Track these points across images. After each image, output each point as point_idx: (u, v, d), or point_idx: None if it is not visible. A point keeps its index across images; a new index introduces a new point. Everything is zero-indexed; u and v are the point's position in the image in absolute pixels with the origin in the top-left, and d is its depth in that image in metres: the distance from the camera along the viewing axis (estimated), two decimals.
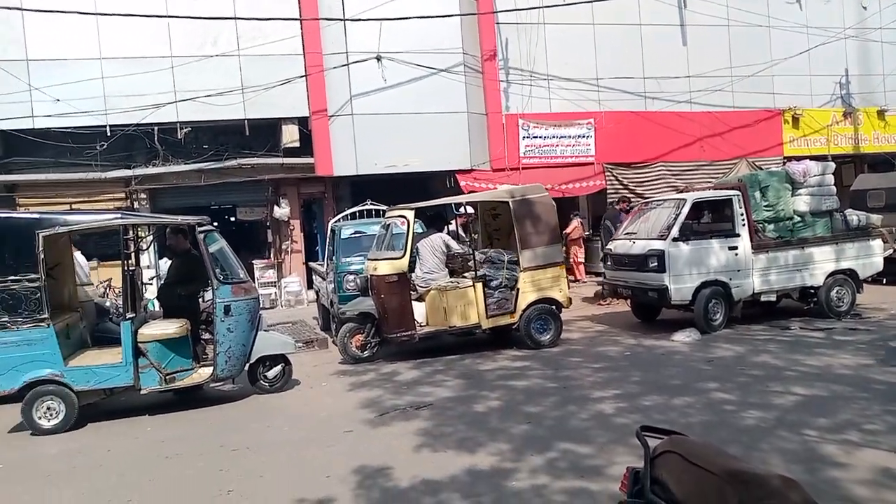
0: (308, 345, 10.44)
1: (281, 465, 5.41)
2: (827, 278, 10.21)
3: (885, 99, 19.66)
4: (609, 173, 16.80)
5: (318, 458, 5.49)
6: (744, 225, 9.95)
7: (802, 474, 4.25)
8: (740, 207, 9.99)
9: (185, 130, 14.93)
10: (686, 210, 9.84)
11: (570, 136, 17.00)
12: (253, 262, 15.51)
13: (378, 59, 15.08)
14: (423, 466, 4.86)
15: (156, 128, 14.70)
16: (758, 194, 10.30)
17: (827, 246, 10.33)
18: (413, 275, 9.40)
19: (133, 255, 8.21)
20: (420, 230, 9.98)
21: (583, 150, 17.04)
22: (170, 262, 8.95)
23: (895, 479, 4.32)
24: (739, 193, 10.08)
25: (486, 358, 9.00)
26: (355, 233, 11.57)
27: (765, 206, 10.27)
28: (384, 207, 12.58)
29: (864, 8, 19.57)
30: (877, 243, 10.71)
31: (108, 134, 14.41)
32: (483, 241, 10.89)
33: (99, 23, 13.86)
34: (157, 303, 8.72)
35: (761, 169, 14.95)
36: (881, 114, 19.63)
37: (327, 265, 11.73)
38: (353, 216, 13.70)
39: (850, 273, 10.34)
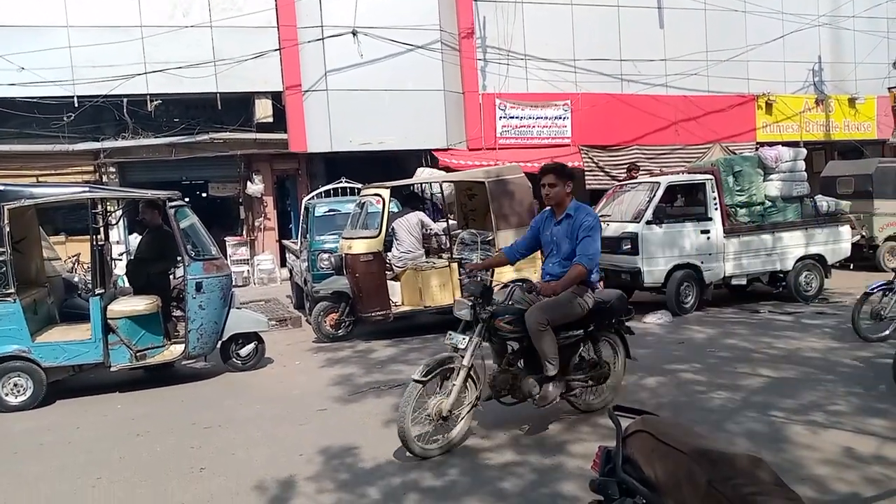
0: (281, 323, 10.39)
1: (253, 442, 5.38)
2: (796, 263, 10.38)
3: (856, 87, 19.96)
4: (585, 155, 16.86)
5: (291, 436, 5.48)
6: (716, 209, 10.06)
7: (768, 454, 4.34)
8: (713, 192, 10.09)
9: (155, 103, 14.64)
10: (660, 193, 9.92)
11: (546, 118, 17.01)
12: (225, 238, 15.34)
13: (354, 33, 14.88)
14: (394, 444, 4.87)
15: (125, 100, 14.39)
16: (731, 179, 10.41)
17: (797, 231, 10.50)
18: (389, 254, 9.37)
19: (102, 229, 8.06)
20: (396, 209, 9.94)
21: (559, 131, 17.07)
22: (140, 237, 8.80)
23: (856, 458, 4.43)
24: (713, 178, 10.17)
25: None
26: (329, 210, 11.49)
27: (737, 191, 10.39)
28: (359, 185, 12.50)
29: None
30: (845, 229, 10.91)
31: (76, 105, 14.08)
32: (459, 221, 10.88)
33: None
34: (126, 279, 8.57)
35: (734, 154, 15.12)
36: (852, 102, 19.93)
37: (301, 243, 11.64)
38: (327, 194, 13.60)
39: (819, 258, 10.52)
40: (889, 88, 17.85)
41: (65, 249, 12.41)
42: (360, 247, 8.95)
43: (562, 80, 17.09)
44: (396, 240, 9.39)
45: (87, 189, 7.82)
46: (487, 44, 16.62)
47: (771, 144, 12.92)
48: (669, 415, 5.34)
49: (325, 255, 10.21)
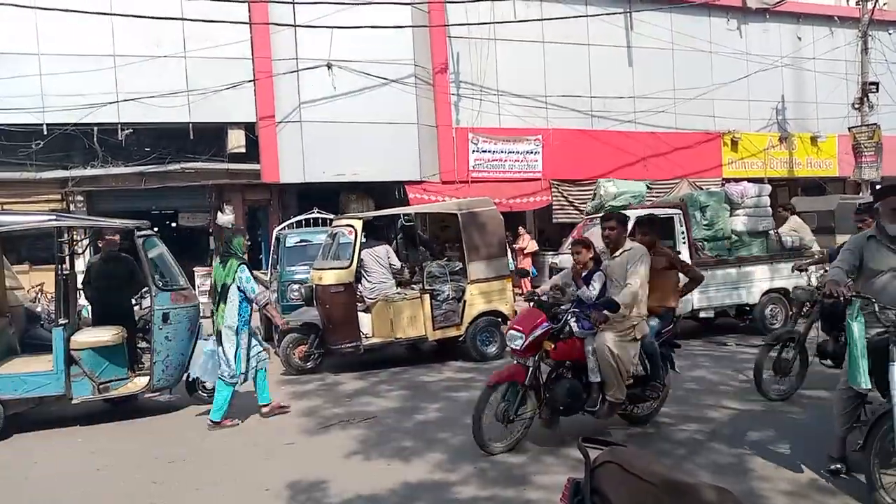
0: None
1: (219, 477, 5.27)
2: (762, 297, 10.55)
3: (818, 126, 20.58)
4: (555, 189, 17.08)
5: (257, 471, 5.37)
6: (684, 243, 10.22)
7: (735, 485, 4.37)
8: (681, 226, 10.26)
9: (126, 132, 14.53)
10: (628, 227, 10.05)
11: (518, 152, 17.23)
12: (194, 269, 15.14)
13: (328, 66, 15.01)
14: (361, 478, 4.81)
15: (95, 128, 14.28)
16: (698, 213, 10.59)
17: (763, 265, 10.69)
18: (360, 285, 9.33)
19: (68, 258, 7.91)
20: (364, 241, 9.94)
21: (530, 165, 17.30)
22: (91, 263, 8.49)
23: (819, 490, 4.49)
24: (680, 212, 10.35)
25: (431, 370, 8.98)
26: (301, 241, 11.44)
27: (704, 225, 10.57)
28: (331, 216, 12.49)
29: (799, 38, 20.50)
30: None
31: (45, 133, 13.93)
32: (431, 253, 10.90)
33: (38, 17, 13.42)
34: (90, 309, 8.37)
35: (701, 189, 15.42)
36: (814, 140, 20.53)
37: (271, 274, 11.55)
38: (298, 224, 13.55)
39: (784, 292, 10.71)
40: (849, 128, 18.42)
41: (28, 279, 12.16)
42: (330, 277, 8.91)
43: (533, 115, 17.38)
44: (366, 271, 9.35)
45: (53, 217, 7.69)
46: (461, 79, 16.86)
47: (736, 180, 13.22)
48: (638, 446, 5.35)
49: (295, 287, 10.13)
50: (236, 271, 6.61)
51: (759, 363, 6.67)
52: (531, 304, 5.71)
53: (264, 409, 6.92)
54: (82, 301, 8.34)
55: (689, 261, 10.08)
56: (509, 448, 5.35)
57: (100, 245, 8.05)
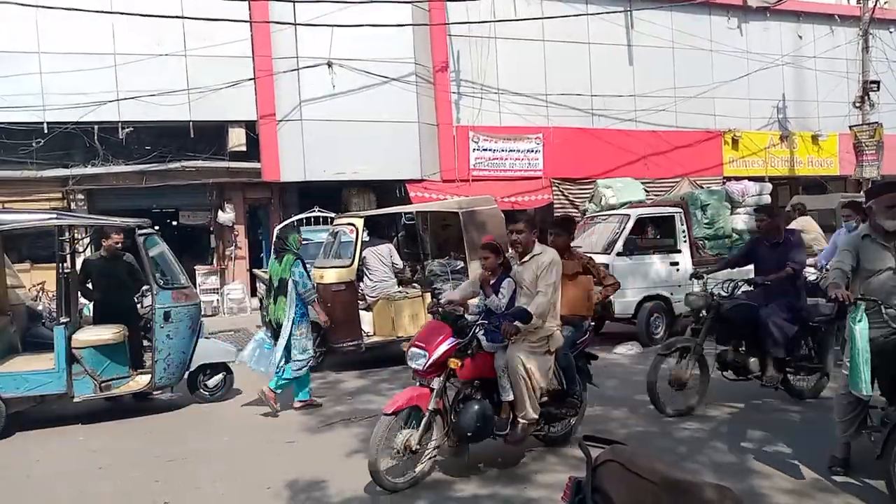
0: None
1: (219, 476, 5.28)
2: None
3: (818, 124, 20.57)
4: (556, 188, 17.07)
5: (258, 469, 5.38)
6: (685, 241, 10.23)
7: (735, 483, 4.38)
8: (682, 224, 10.27)
9: (126, 130, 14.53)
10: (630, 225, 10.06)
11: (518, 150, 17.23)
12: (195, 267, 15.17)
13: (329, 65, 15.01)
14: (362, 477, 4.81)
15: (96, 126, 14.28)
16: (698, 212, 10.60)
17: None
18: (361, 284, 9.33)
19: (68, 257, 7.91)
20: (366, 239, 9.94)
21: (531, 164, 17.29)
22: (90, 263, 8.49)
23: (818, 488, 4.49)
24: (681, 211, 10.36)
25: None
26: (302, 240, 11.43)
27: (705, 224, 10.58)
28: (332, 215, 12.50)
29: (800, 37, 20.48)
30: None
31: (46, 131, 13.93)
32: (432, 251, 10.91)
33: (38, 15, 13.41)
34: (93, 307, 8.37)
35: (702, 188, 15.42)
36: (815, 139, 20.52)
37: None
38: (299, 223, 13.54)
39: None
40: (850, 126, 18.41)
41: (29, 277, 12.16)
42: (332, 276, 8.91)
43: (534, 113, 17.37)
44: (368, 269, 9.36)
45: (54, 216, 7.70)
46: (461, 77, 16.86)
47: (737, 179, 13.22)
48: (639, 445, 5.36)
49: None
50: (292, 266, 6.91)
51: (651, 376, 6.17)
52: (434, 316, 5.11)
53: (297, 405, 7.11)
54: (83, 299, 8.33)
55: (689, 260, 10.13)
56: (413, 484, 4.71)
57: (104, 243, 8.04)
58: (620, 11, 18.07)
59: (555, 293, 5.01)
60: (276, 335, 7.02)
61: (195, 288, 10.54)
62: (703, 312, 6.47)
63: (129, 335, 7.44)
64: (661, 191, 17.43)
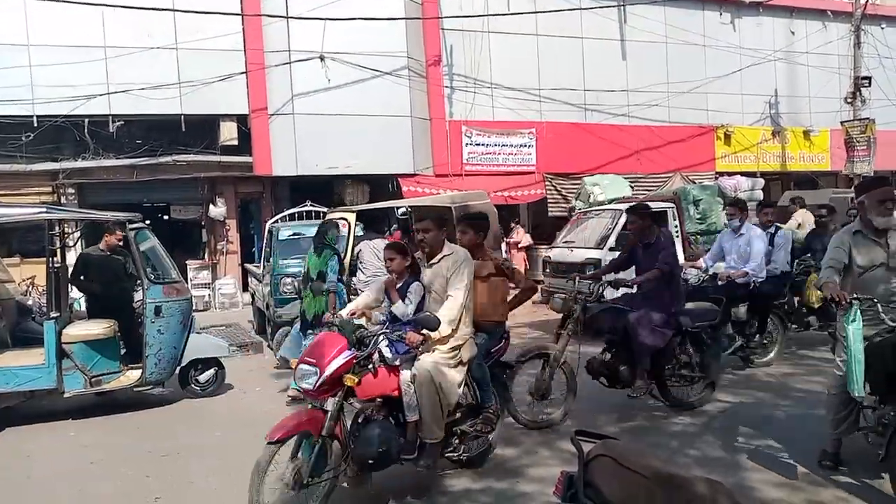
0: (242, 348, 10.20)
1: (212, 471, 5.26)
2: None
3: (810, 120, 20.64)
4: (549, 183, 17.06)
5: (250, 464, 5.34)
6: (677, 236, 10.25)
7: (726, 477, 4.39)
8: (674, 219, 10.29)
9: (117, 124, 14.42)
10: (622, 221, 10.07)
11: (511, 145, 17.21)
12: (186, 262, 15.10)
13: (321, 58, 14.93)
14: None
15: (86, 120, 14.17)
16: (691, 207, 10.64)
17: None
18: (354, 279, 9.29)
19: (59, 251, 7.87)
20: (360, 234, 9.91)
21: (524, 158, 17.28)
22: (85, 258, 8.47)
23: (809, 481, 4.52)
24: (674, 206, 10.39)
25: None
26: (294, 234, 11.40)
27: (697, 219, 10.62)
28: (324, 209, 12.46)
29: (793, 33, 20.53)
30: None
31: (35, 125, 13.82)
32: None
33: (27, 8, 13.29)
34: (83, 302, 8.34)
35: (694, 183, 15.46)
36: (806, 134, 20.58)
37: (264, 267, 11.52)
38: (291, 217, 13.49)
39: None
40: (842, 122, 18.48)
41: (19, 272, 12.08)
42: None
43: (527, 108, 17.35)
44: (362, 263, 9.31)
45: (44, 210, 7.65)
46: (454, 71, 16.82)
47: (730, 174, 13.27)
48: (631, 439, 5.37)
49: (289, 280, 10.09)
50: (329, 260, 7.09)
51: (506, 384, 5.50)
52: (329, 327, 4.52)
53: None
54: (74, 294, 8.29)
55: (681, 256, 10.14)
56: None
57: (105, 239, 8.00)
58: (613, 6, 18.07)
59: (467, 297, 4.54)
60: (308, 326, 7.00)
61: (186, 283, 10.51)
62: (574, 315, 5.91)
63: (127, 330, 7.42)
64: (654, 186, 17.46)
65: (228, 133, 14.99)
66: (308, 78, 15.01)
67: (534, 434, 5.67)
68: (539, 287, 9.38)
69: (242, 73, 14.85)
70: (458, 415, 4.71)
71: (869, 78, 18.26)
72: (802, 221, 11.35)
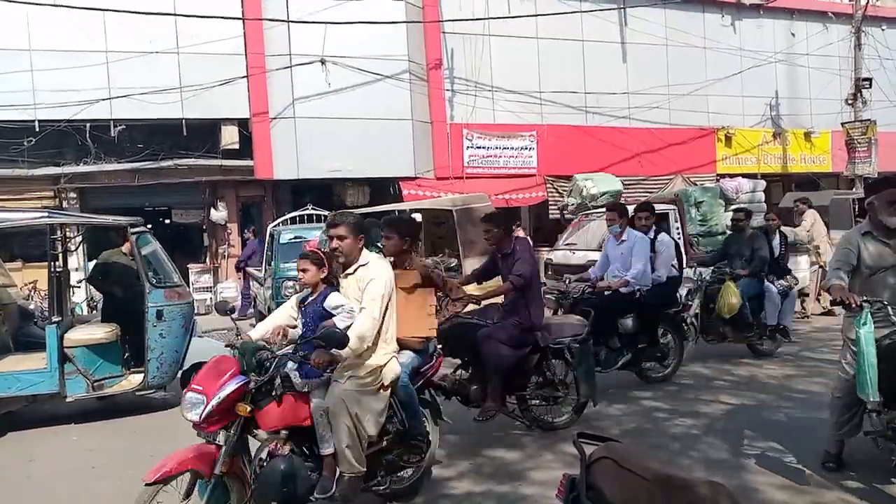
0: None
1: None
2: None
3: (811, 121, 20.64)
4: (550, 185, 17.06)
5: None
6: (679, 238, 10.24)
7: (729, 479, 4.39)
8: (676, 221, 10.29)
9: (118, 128, 14.45)
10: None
11: (512, 148, 17.22)
12: (188, 266, 15.11)
13: (322, 62, 14.96)
14: None
15: (88, 124, 14.20)
16: (692, 209, 10.63)
17: None
18: None
19: (61, 256, 7.88)
20: None
21: (525, 161, 17.29)
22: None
23: (808, 484, 4.51)
24: (675, 208, 10.38)
25: None
26: (295, 238, 11.42)
27: (699, 221, 10.61)
28: (325, 213, 12.47)
29: (793, 34, 20.53)
30: (803, 259, 11.17)
31: (37, 129, 13.85)
32: (426, 249, 10.91)
33: (29, 13, 13.33)
34: (85, 306, 8.35)
35: (696, 185, 15.46)
36: (808, 136, 20.58)
37: (265, 270, 11.53)
38: (293, 221, 13.51)
39: None
40: (842, 123, 18.48)
41: (21, 276, 12.09)
42: None
43: (528, 111, 17.36)
44: None
45: (46, 214, 7.66)
46: (455, 75, 16.84)
47: (731, 176, 13.27)
48: (633, 441, 5.37)
49: (290, 283, 10.11)
50: None
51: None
52: (230, 349, 3.98)
53: None
54: (76, 298, 8.29)
55: (683, 257, 10.13)
56: None
57: (126, 242, 8.01)
58: (614, 9, 18.10)
59: (385, 310, 4.09)
60: None
61: (188, 286, 10.51)
62: None
63: (141, 332, 7.41)
64: (655, 188, 17.46)
65: (230, 137, 15.02)
66: (309, 82, 15.04)
67: (535, 437, 5.66)
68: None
69: (244, 76, 14.88)
70: (384, 443, 4.23)
71: (870, 79, 18.27)
72: (815, 221, 11.36)
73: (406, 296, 4.62)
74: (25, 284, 11.28)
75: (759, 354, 8.39)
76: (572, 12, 17.18)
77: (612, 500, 2.39)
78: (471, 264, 9.42)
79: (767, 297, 8.18)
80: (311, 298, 4.17)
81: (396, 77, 15.68)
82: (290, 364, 3.89)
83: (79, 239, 9.71)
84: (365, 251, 4.28)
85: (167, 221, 16.61)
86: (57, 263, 7.57)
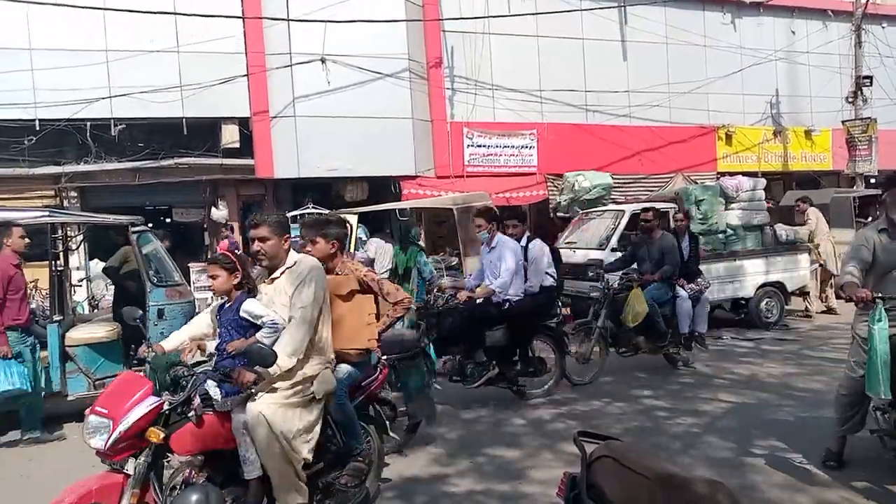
0: None
1: None
2: (757, 290, 10.58)
3: (811, 119, 20.60)
4: (551, 184, 17.06)
5: None
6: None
7: (728, 478, 4.39)
8: None
9: (119, 127, 14.44)
10: (624, 221, 10.09)
11: (513, 146, 17.21)
12: (189, 264, 15.10)
13: (322, 60, 14.95)
14: None
15: (88, 123, 14.18)
16: (693, 208, 10.62)
17: (757, 259, 10.72)
18: None
19: (62, 255, 7.89)
20: (363, 236, 9.93)
21: (526, 160, 17.27)
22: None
23: (810, 482, 4.51)
24: (676, 206, 10.37)
25: None
26: (295, 236, 11.41)
27: (699, 220, 10.60)
28: (326, 211, 12.47)
29: (793, 32, 20.51)
30: (804, 257, 11.18)
31: (38, 128, 13.84)
32: (427, 248, 10.91)
33: (29, 12, 13.32)
34: (86, 305, 8.36)
35: (696, 183, 15.45)
36: (808, 134, 20.55)
37: None
38: (293, 220, 13.51)
39: (779, 285, 10.74)
40: (843, 121, 18.46)
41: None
42: None
43: (528, 109, 17.34)
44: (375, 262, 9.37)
45: (46, 213, 7.66)
46: (455, 73, 16.81)
47: (731, 174, 13.24)
48: (633, 440, 5.37)
49: None
50: (416, 256, 7.59)
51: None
52: (142, 366, 3.68)
53: None
54: (77, 297, 8.30)
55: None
56: None
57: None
58: (614, 7, 18.07)
59: (316, 318, 3.69)
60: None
61: (189, 285, 10.51)
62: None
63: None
64: (656, 186, 17.44)
65: (230, 136, 15.01)
66: (309, 80, 15.03)
67: (536, 435, 5.67)
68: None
69: (244, 75, 14.86)
70: (322, 464, 3.87)
71: (870, 77, 18.24)
72: (818, 219, 11.39)
73: (342, 304, 4.22)
74: (27, 283, 11.26)
75: (674, 364, 7.98)
76: (572, 10, 17.15)
77: (612, 499, 2.40)
78: (472, 263, 9.42)
79: (678, 302, 7.69)
80: (226, 306, 3.80)
81: (397, 75, 15.67)
82: (206, 381, 3.49)
83: (80, 238, 9.73)
84: (293, 253, 3.84)
85: (168, 220, 16.61)
86: (58, 262, 7.59)
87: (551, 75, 17.46)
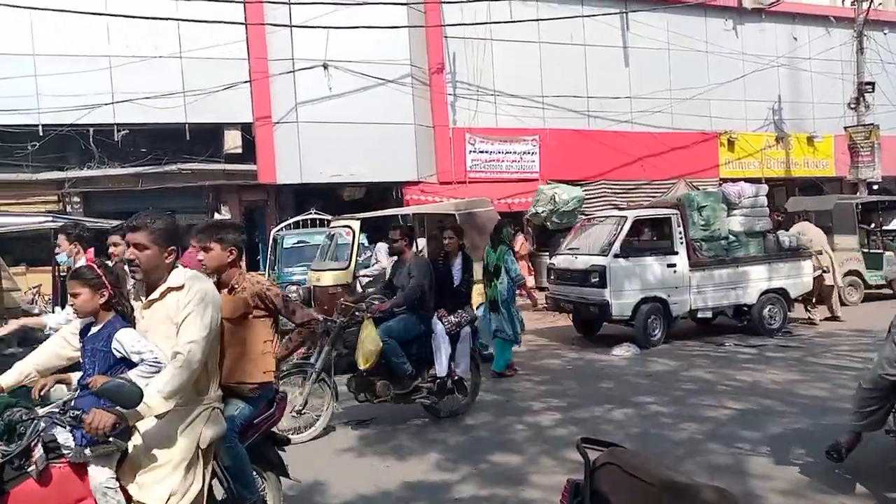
0: None
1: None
2: (760, 296, 10.55)
3: (814, 126, 20.62)
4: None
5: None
6: (682, 243, 10.23)
7: (731, 485, 4.37)
8: (679, 226, 10.26)
9: (122, 133, 14.49)
10: (627, 227, 10.06)
11: (515, 152, 17.23)
12: None
13: (325, 66, 15.00)
14: (360, 479, 4.80)
15: (91, 129, 14.24)
16: (695, 214, 10.59)
17: (760, 265, 10.68)
18: (363, 270, 9.30)
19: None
20: (365, 242, 9.93)
21: (527, 165, 17.30)
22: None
23: (815, 490, 4.49)
24: (678, 212, 10.36)
25: None
26: (298, 242, 11.42)
27: (701, 226, 10.57)
28: (328, 217, 12.49)
29: (795, 39, 20.54)
30: (807, 264, 11.14)
31: (41, 134, 13.89)
32: (429, 253, 10.89)
33: (33, 18, 13.38)
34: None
35: (698, 189, 15.45)
36: (810, 140, 20.57)
37: (269, 275, 11.53)
38: (296, 225, 13.53)
39: (782, 292, 10.71)
40: (845, 128, 18.47)
41: (25, 280, 12.11)
42: (328, 279, 8.89)
43: (530, 115, 17.38)
44: (377, 261, 9.40)
45: (50, 218, 7.68)
46: (457, 79, 16.86)
47: (733, 180, 13.23)
48: (637, 447, 5.35)
49: (293, 288, 10.12)
50: (504, 255, 7.99)
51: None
52: None
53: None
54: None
55: (686, 261, 10.10)
56: None
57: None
58: (616, 13, 18.10)
59: (208, 350, 2.95)
60: (493, 309, 8.08)
61: None
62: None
63: None
64: (658, 192, 17.44)
65: (233, 141, 15.06)
66: (311, 86, 15.07)
67: (538, 441, 5.65)
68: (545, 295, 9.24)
69: (246, 81, 14.91)
70: None
71: (872, 83, 18.26)
72: (806, 230, 11.39)
73: (232, 330, 3.52)
74: (29, 289, 11.28)
75: (437, 415, 6.47)
76: (574, 17, 17.20)
77: None
78: (474, 268, 9.40)
79: (434, 338, 6.31)
80: (93, 330, 3.04)
81: (399, 81, 15.71)
82: (54, 427, 2.74)
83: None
84: (180, 269, 3.06)
85: None
86: (60, 268, 7.57)
87: (553, 81, 17.49)
